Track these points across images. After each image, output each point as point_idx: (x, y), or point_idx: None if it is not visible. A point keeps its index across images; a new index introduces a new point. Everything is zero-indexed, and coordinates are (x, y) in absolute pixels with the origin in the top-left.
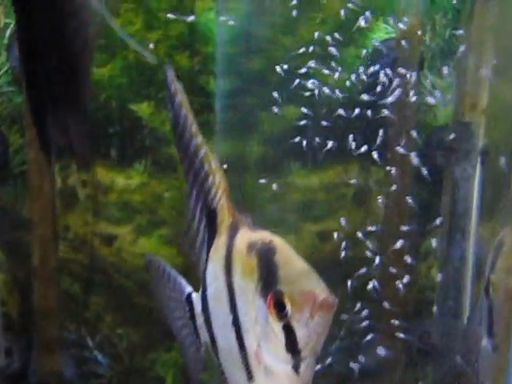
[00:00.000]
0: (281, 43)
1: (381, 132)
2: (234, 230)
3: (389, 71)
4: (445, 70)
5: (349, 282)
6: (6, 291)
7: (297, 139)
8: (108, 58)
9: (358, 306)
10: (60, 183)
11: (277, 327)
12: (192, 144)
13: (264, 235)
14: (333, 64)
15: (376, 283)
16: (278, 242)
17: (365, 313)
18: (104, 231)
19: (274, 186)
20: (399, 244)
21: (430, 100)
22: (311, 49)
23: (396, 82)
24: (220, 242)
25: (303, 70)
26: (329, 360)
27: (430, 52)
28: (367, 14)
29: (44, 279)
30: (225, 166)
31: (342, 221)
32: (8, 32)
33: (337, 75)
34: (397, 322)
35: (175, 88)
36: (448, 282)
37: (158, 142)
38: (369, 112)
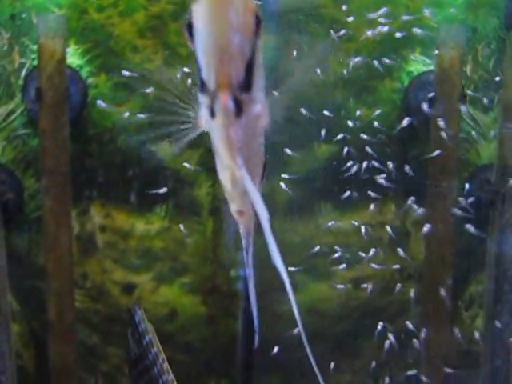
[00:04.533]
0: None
1: (419, 170)
2: None
3: (426, 106)
4: (488, 103)
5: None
6: (21, 344)
7: (328, 178)
8: (127, 95)
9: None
10: (78, 229)
11: None
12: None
13: None
14: (367, 98)
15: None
16: None
17: (404, 364)
18: (123, 279)
19: (303, 229)
20: (440, 290)
21: (473, 136)
22: (342, 83)
23: (435, 117)
24: None
25: (334, 106)
26: None
27: (472, 84)
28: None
29: (61, 334)
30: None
31: (378, 266)
32: (23, 72)
33: (371, 110)
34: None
35: (145, 327)
36: (495, 336)
37: (179, 184)
38: (406, 148)
